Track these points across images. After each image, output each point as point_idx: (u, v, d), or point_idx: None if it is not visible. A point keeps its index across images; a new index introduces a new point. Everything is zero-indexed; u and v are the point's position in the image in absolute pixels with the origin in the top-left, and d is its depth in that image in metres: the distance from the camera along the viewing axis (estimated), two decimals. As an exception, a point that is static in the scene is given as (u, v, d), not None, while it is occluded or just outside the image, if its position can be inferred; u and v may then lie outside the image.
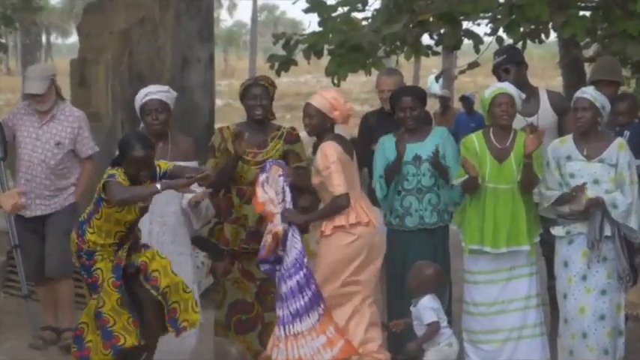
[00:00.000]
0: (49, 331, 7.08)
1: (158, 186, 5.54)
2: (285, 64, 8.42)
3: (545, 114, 6.60)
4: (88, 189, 7.03)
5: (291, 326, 5.90)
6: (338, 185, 5.95)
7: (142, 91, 6.36)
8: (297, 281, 5.86)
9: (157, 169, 5.77)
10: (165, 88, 6.45)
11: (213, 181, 5.90)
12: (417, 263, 5.85)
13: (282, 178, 5.99)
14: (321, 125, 6.08)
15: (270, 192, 6.00)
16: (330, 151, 5.97)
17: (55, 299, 7.09)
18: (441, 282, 5.79)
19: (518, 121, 6.30)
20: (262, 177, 6.03)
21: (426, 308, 5.63)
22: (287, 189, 5.98)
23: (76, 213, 7.01)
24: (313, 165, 6.12)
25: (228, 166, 6.25)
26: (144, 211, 5.83)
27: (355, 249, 5.99)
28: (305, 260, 5.89)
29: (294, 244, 5.91)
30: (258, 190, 6.01)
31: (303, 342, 5.89)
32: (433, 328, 5.62)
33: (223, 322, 6.40)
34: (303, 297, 5.86)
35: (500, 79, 6.61)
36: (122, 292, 5.69)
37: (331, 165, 5.93)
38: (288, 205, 5.96)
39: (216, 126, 9.45)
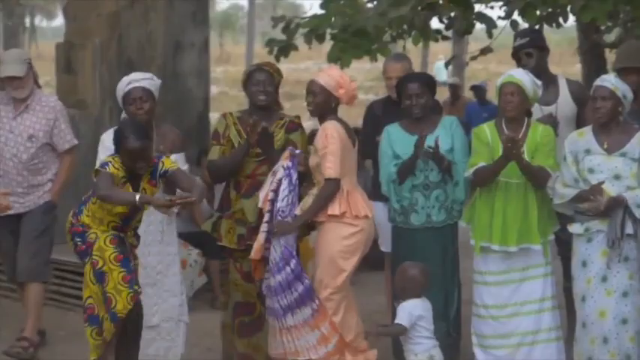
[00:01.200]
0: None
1: (137, 197, 5.54)
2: (284, 49, 8.41)
3: (565, 103, 6.56)
4: (67, 185, 6.98)
5: (283, 320, 5.98)
6: (330, 168, 5.93)
7: (124, 80, 6.31)
8: (285, 277, 5.90)
9: (160, 165, 5.75)
10: (149, 75, 6.40)
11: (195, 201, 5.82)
12: (403, 264, 5.83)
13: (281, 171, 5.96)
14: (326, 104, 6.06)
15: (267, 186, 5.99)
16: (331, 130, 5.96)
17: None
18: (429, 283, 5.76)
19: (536, 111, 6.27)
20: (276, 167, 6.02)
21: (405, 310, 5.60)
22: (285, 182, 5.95)
23: (52, 212, 6.92)
24: (312, 146, 6.09)
25: (237, 155, 6.17)
26: (135, 208, 5.78)
27: (355, 242, 6.00)
28: (290, 254, 5.91)
29: (281, 239, 5.92)
30: (266, 181, 6.02)
31: (297, 334, 5.97)
32: (396, 329, 5.62)
33: (231, 324, 6.37)
34: (292, 292, 5.92)
35: (520, 64, 6.58)
36: (119, 248, 5.67)
37: (330, 145, 5.91)
38: (280, 201, 5.92)
39: (211, 115, 9.47)
